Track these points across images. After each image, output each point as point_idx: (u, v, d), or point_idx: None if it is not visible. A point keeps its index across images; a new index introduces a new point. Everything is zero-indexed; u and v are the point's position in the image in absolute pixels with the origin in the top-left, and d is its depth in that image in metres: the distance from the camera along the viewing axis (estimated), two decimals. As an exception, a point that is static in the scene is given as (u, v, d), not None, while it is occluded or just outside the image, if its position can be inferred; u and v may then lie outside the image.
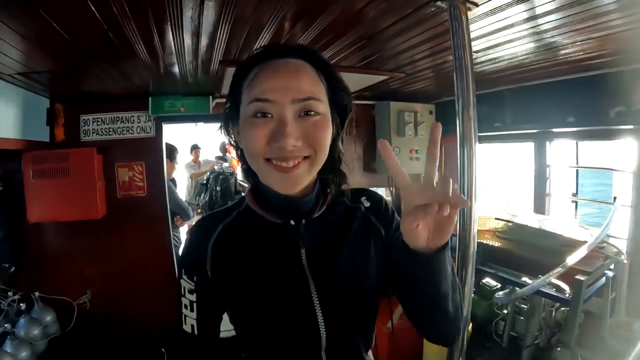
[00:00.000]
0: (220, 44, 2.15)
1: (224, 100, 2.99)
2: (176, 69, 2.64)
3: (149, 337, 3.47)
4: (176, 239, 4.21)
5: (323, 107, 0.89)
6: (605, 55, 2.48)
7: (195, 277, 1.00)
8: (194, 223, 1.09)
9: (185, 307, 1.03)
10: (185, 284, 1.01)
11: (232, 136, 1.00)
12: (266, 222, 0.99)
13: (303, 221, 0.98)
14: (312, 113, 0.86)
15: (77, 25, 1.70)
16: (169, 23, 1.74)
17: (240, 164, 1.05)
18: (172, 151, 4.52)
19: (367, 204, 1.08)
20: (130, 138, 3.61)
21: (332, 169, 1.00)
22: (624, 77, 2.75)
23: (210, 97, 3.61)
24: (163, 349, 3.48)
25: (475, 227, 1.61)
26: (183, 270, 1.02)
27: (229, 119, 0.98)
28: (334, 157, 0.98)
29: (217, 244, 0.99)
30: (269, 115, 0.85)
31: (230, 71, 2.55)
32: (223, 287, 0.98)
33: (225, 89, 3.05)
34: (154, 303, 3.45)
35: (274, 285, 0.96)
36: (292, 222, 0.98)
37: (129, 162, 3.62)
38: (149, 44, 2.04)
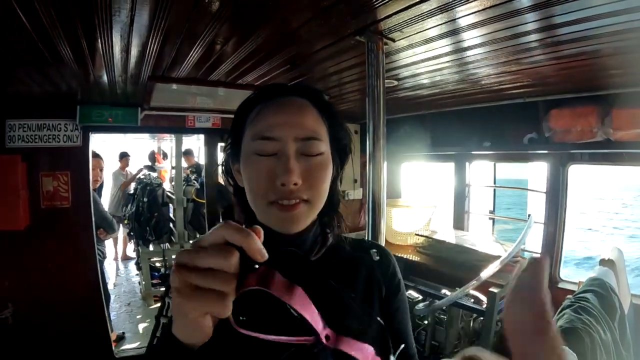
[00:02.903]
0: (150, 60, 2.15)
1: (153, 112, 3.01)
2: (105, 79, 2.60)
3: (74, 352, 3.37)
4: (100, 253, 4.02)
5: (324, 147, 0.86)
6: (520, 87, 2.73)
7: None
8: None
9: (163, 327, 0.90)
10: (170, 299, 0.91)
11: (230, 175, 0.95)
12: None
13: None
14: (314, 152, 0.84)
15: (3, 28, 1.66)
16: (98, 36, 1.73)
17: (235, 200, 0.97)
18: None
19: (377, 258, 1.01)
20: (56, 147, 3.47)
21: (331, 210, 0.95)
22: (537, 107, 3.02)
23: (139, 108, 3.55)
24: None
25: (382, 241, 1.69)
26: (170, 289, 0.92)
27: (230, 156, 0.94)
28: (333, 199, 0.94)
29: None
30: (272, 153, 0.82)
31: (160, 85, 2.63)
32: None
33: (155, 102, 3.12)
34: (79, 317, 3.39)
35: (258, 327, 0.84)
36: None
37: (53, 171, 3.47)
38: (78, 54, 2.02)
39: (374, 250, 1.02)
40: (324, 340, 0.58)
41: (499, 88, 2.77)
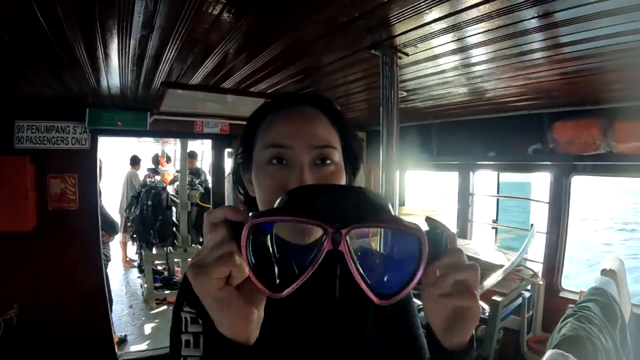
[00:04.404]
0: (164, 67, 2.18)
1: (162, 116, 3.02)
2: (117, 83, 2.62)
3: (77, 354, 3.38)
4: (104, 256, 4.05)
5: (338, 156, 0.84)
6: (525, 100, 2.80)
7: (199, 305, 0.80)
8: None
9: (187, 344, 0.85)
10: (187, 314, 0.86)
11: (241, 184, 0.94)
12: None
13: None
14: (328, 162, 0.81)
15: (21, 30, 1.68)
16: (116, 41, 1.75)
17: (245, 208, 0.94)
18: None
19: None
20: (64, 149, 3.48)
21: None
22: (541, 119, 3.07)
23: (148, 113, 3.57)
24: None
25: None
26: (185, 301, 0.87)
27: (241, 166, 0.92)
28: None
29: None
30: (285, 162, 0.79)
31: (171, 91, 2.64)
32: None
33: (164, 107, 3.15)
34: (83, 319, 3.40)
35: (273, 342, 0.79)
36: None
37: (61, 173, 3.48)
38: (93, 58, 2.03)
39: None
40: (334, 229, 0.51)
41: (504, 100, 2.84)
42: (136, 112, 3.58)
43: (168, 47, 1.84)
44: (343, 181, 0.85)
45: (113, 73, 2.34)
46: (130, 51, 1.91)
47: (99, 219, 3.70)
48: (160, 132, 4.17)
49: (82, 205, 3.55)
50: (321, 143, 0.81)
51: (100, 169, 4.49)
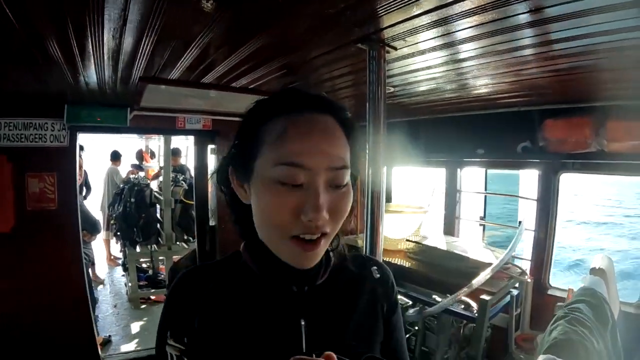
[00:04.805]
0: (141, 61, 2.10)
1: (142, 112, 2.96)
2: (95, 80, 2.54)
3: (59, 356, 3.33)
4: (86, 255, 3.98)
5: (347, 177, 0.79)
6: (515, 97, 2.76)
7: (186, 339, 0.83)
8: (179, 275, 0.91)
9: None
10: (172, 349, 0.83)
11: (227, 187, 0.88)
12: (264, 284, 0.85)
13: (306, 288, 0.85)
14: (341, 184, 0.77)
15: None
16: (89, 36, 1.68)
17: (232, 216, 0.91)
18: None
19: (377, 275, 0.97)
20: (42, 146, 3.38)
21: (337, 234, 0.87)
22: (531, 116, 3.03)
23: (129, 108, 3.49)
24: None
25: (381, 245, 1.72)
26: (169, 333, 0.84)
27: (232, 166, 0.85)
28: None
29: (208, 304, 0.84)
30: (299, 183, 0.73)
31: (151, 86, 2.58)
32: (209, 354, 0.82)
33: (145, 102, 3.08)
34: (64, 321, 3.34)
35: (268, 357, 0.80)
36: (295, 289, 0.85)
37: (40, 172, 3.38)
38: (68, 55, 1.96)
39: (375, 267, 0.99)
40: None
41: (494, 97, 2.79)
42: (116, 108, 3.48)
43: (143, 41, 1.76)
44: (351, 200, 0.80)
45: (90, 69, 2.27)
46: (105, 46, 1.84)
47: (79, 219, 3.62)
48: (141, 128, 4.09)
49: (61, 205, 3.46)
50: (339, 164, 0.76)
51: (80, 167, 4.42)
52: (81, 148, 5.75)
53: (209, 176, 4.24)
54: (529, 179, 3.79)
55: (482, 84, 2.45)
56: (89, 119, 3.44)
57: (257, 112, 0.81)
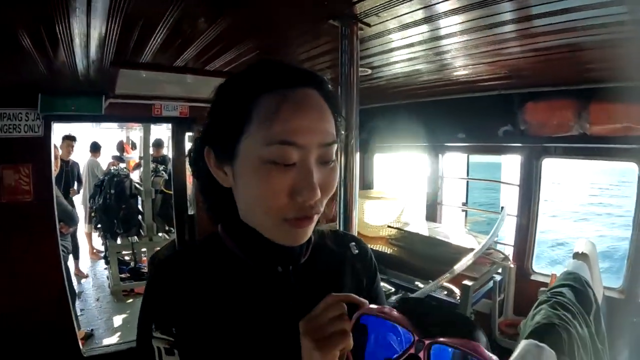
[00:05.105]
0: (111, 45, 2.04)
1: (118, 100, 2.89)
2: (66, 66, 2.48)
3: (38, 352, 3.27)
4: (64, 248, 3.90)
5: (335, 151, 0.77)
6: (496, 79, 2.71)
7: (174, 329, 0.75)
8: (158, 263, 0.86)
9: None
10: (160, 342, 0.74)
11: (205, 171, 0.81)
12: (248, 267, 0.82)
13: (290, 268, 0.84)
14: (330, 160, 0.75)
15: None
16: (55, 21, 1.63)
17: (206, 202, 0.86)
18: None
19: (356, 251, 0.97)
20: (16, 137, 3.29)
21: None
22: (512, 100, 3.00)
23: (104, 96, 3.42)
24: None
25: (355, 232, 1.67)
26: (154, 325, 0.75)
27: (209, 147, 0.78)
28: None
29: (194, 290, 0.77)
30: (292, 162, 0.70)
31: (125, 71, 2.53)
32: (199, 345, 0.76)
33: (120, 89, 3.01)
34: (43, 316, 3.28)
35: (260, 340, 0.77)
36: (280, 269, 0.83)
37: (15, 163, 3.30)
38: (37, 41, 1.91)
39: (353, 243, 0.99)
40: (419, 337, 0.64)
41: (474, 79, 2.74)
42: (90, 96, 3.40)
43: (110, 24, 1.70)
44: (338, 176, 0.79)
45: (61, 56, 2.21)
46: (74, 31, 1.78)
47: (55, 210, 3.53)
48: (116, 116, 4.01)
49: (37, 196, 3.38)
50: (329, 140, 0.73)
51: (56, 157, 4.32)
52: (73, 139, 5.68)
53: (187, 164, 4.19)
54: (511, 168, 3.77)
55: (461, 65, 2.40)
56: (63, 107, 3.36)
57: (242, 88, 0.75)
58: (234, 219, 0.81)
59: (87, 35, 1.85)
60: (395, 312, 0.66)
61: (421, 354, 0.61)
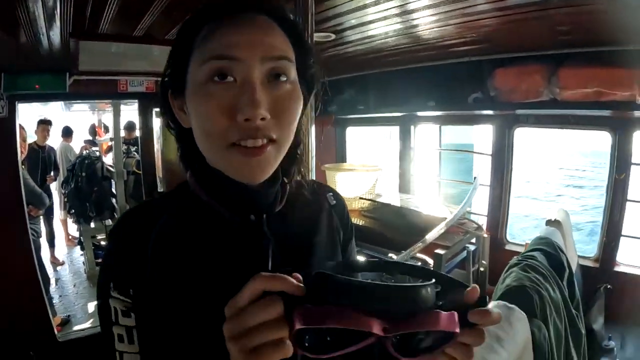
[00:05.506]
0: (66, 14, 1.96)
1: (82, 77, 2.82)
2: (26, 42, 2.40)
3: (13, 341, 3.19)
4: (34, 232, 3.81)
5: (294, 73, 0.71)
6: (465, 44, 2.66)
7: (132, 291, 0.71)
8: (120, 216, 0.78)
9: (120, 339, 0.70)
10: (117, 303, 0.70)
11: (171, 117, 0.78)
12: (219, 216, 0.76)
13: (264, 216, 0.77)
14: (283, 78, 0.68)
15: None
16: None
17: (180, 148, 0.81)
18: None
19: (334, 202, 0.93)
20: (-20, 119, 3.18)
21: (294, 153, 0.81)
22: (482, 66, 2.98)
23: (67, 73, 3.31)
24: (32, 352, 3.22)
25: None
26: (112, 284, 0.71)
27: (170, 89, 0.75)
28: (297, 140, 0.80)
29: (158, 245, 0.72)
30: (231, 79, 0.65)
31: (86, 45, 2.47)
32: (166, 305, 0.70)
33: (83, 65, 2.92)
34: (14, 303, 3.20)
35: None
36: (253, 217, 0.76)
37: (-22, 147, 3.19)
38: None
39: (330, 194, 0.94)
40: (383, 334, 0.50)
41: (442, 44, 2.69)
42: (54, 74, 3.29)
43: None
44: (300, 102, 0.72)
45: (20, 32, 2.15)
46: (28, 4, 1.73)
47: (22, 193, 3.43)
48: (81, 94, 3.88)
49: (2, 180, 3.30)
50: (276, 53, 0.67)
51: (24, 140, 4.20)
52: (49, 122, 5.54)
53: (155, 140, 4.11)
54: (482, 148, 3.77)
55: (427, 27, 2.34)
56: (26, 86, 3.25)
57: (189, 22, 0.72)
58: (201, 165, 0.76)
59: (44, 6, 1.79)
60: (346, 312, 0.50)
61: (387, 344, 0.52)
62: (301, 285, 0.51)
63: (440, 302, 0.54)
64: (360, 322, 0.50)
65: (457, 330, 0.52)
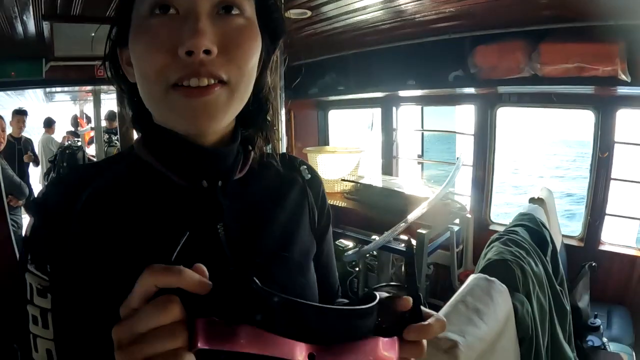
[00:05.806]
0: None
1: (58, 63, 2.77)
2: (1, 29, 2.38)
3: None
4: (15, 223, 3.71)
5: (250, 10, 0.60)
6: (445, 20, 2.62)
7: (49, 267, 0.60)
8: (49, 181, 0.67)
9: (35, 321, 0.60)
10: (33, 279, 0.60)
11: (118, 74, 0.66)
12: (166, 181, 0.65)
13: (220, 183, 0.66)
14: (235, 11, 0.58)
15: None
16: None
17: (128, 105, 0.69)
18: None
19: (309, 176, 0.82)
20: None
21: (259, 113, 0.71)
22: (462, 43, 2.95)
23: (44, 59, 3.25)
24: (16, 345, 3.12)
25: None
26: (29, 257, 0.60)
27: (115, 43, 0.65)
28: (261, 96, 0.70)
29: (87, 213, 0.61)
30: (173, 11, 0.55)
31: (61, 29, 2.49)
32: (86, 285, 0.59)
33: (59, 51, 2.86)
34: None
35: None
36: (205, 184, 0.65)
37: (-46, 136, 3.11)
38: None
39: (304, 167, 0.84)
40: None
41: (422, 20, 2.64)
42: (30, 61, 3.25)
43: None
44: (257, 42, 0.61)
45: None
46: None
47: (1, 183, 3.33)
48: (58, 80, 3.81)
49: (-21, 171, 3.19)
50: None
51: (3, 129, 4.10)
52: (24, 113, 5.39)
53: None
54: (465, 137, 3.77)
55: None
56: (2, 74, 3.20)
57: None
58: (149, 123, 0.65)
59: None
60: (264, 333, 0.41)
61: None
62: (206, 282, 0.41)
63: (379, 318, 0.49)
64: (280, 346, 0.42)
65: (395, 358, 0.49)
